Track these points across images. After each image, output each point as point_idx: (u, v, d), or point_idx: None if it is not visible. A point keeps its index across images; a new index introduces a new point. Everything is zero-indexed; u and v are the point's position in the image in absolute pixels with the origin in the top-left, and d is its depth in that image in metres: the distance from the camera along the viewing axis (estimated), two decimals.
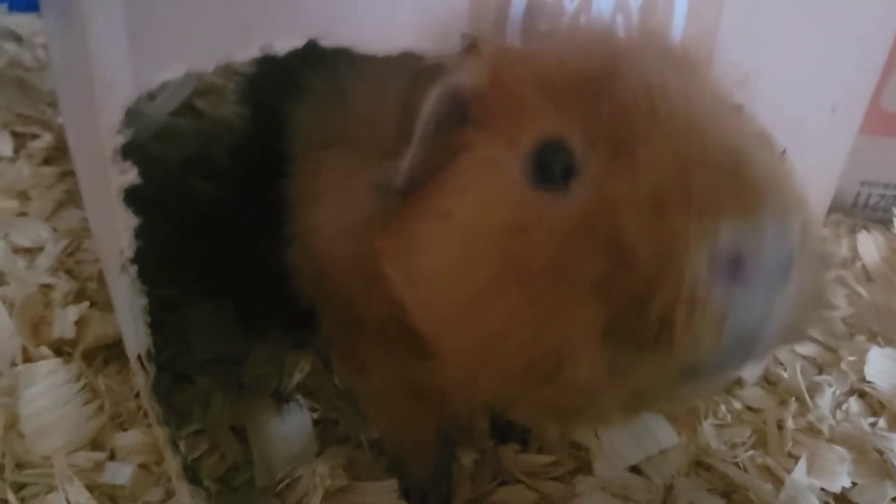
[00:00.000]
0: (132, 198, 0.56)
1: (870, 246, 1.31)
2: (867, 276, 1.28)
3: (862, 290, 1.22)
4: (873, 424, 1.01)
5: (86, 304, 0.93)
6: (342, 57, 0.61)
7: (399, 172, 0.56)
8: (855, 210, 1.40)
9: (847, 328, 1.16)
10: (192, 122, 1.28)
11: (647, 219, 0.47)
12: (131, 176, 0.54)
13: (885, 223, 1.36)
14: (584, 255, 0.49)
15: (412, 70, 0.57)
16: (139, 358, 0.62)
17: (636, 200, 0.48)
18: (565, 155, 0.52)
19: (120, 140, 0.53)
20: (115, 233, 0.58)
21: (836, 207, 1.39)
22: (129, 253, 0.58)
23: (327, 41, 0.57)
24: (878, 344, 1.11)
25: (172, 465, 0.68)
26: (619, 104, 0.51)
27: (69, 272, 1.00)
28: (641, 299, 0.47)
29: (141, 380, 0.63)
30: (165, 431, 0.67)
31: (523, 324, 0.51)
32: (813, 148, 0.84)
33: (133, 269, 0.59)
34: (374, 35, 0.59)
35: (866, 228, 1.35)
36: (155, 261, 0.95)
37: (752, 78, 0.74)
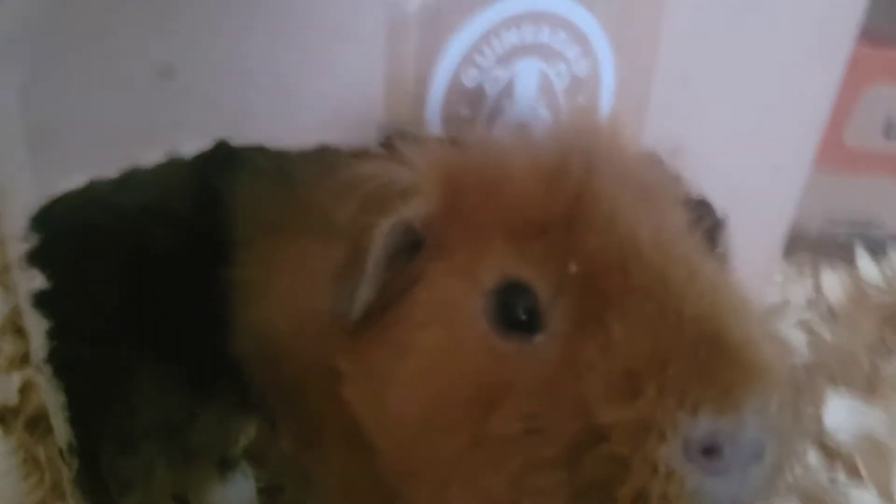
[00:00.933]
0: (42, 301, 0.55)
1: (834, 284, 1.31)
2: (832, 316, 1.28)
3: (825, 332, 1.22)
4: (832, 479, 1.00)
5: (29, 370, 0.92)
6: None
7: (353, 304, 0.54)
8: (820, 247, 1.39)
9: (807, 374, 1.15)
10: (154, 169, 1.28)
11: (621, 397, 0.46)
12: (39, 281, 0.54)
13: (850, 261, 1.35)
14: (552, 420, 0.48)
15: (360, 195, 0.55)
16: (60, 452, 0.62)
17: (609, 375, 0.47)
18: (529, 299, 0.51)
19: (24, 247, 0.53)
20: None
21: (800, 245, 1.38)
22: (41, 354, 0.57)
23: (237, 140, 0.56)
24: (838, 391, 1.10)
25: None
26: (586, 252, 0.50)
27: (18, 332, 1.00)
28: (611, 478, 0.46)
29: (65, 472, 0.63)
30: None
31: (485, 481, 0.50)
32: (757, 207, 0.85)
33: (48, 369, 0.58)
34: (286, 131, 0.58)
35: (831, 266, 1.34)
36: (102, 320, 0.95)
37: (684, 148, 0.75)
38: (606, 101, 0.70)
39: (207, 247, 0.81)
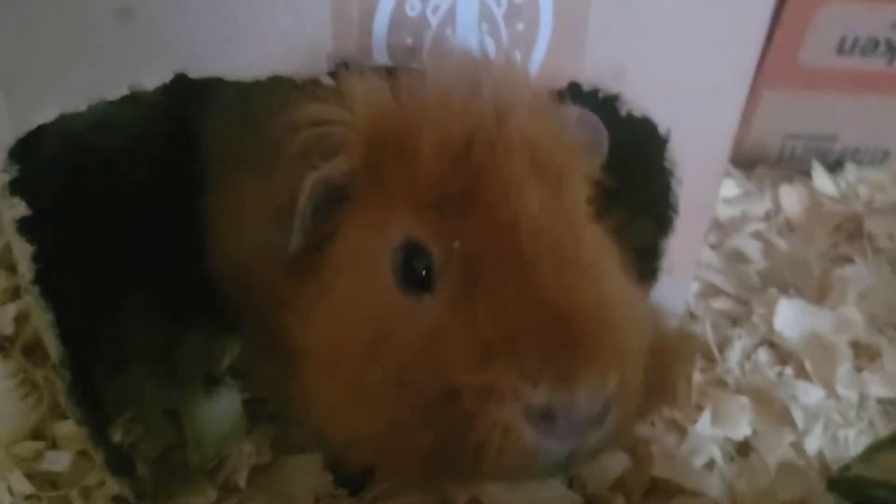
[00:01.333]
0: (25, 228, 0.61)
1: (792, 198, 1.36)
2: (789, 228, 1.34)
3: (781, 243, 1.28)
4: (780, 374, 1.08)
5: (25, 300, 0.98)
6: None
7: (287, 247, 0.61)
8: (781, 163, 1.44)
9: (761, 281, 1.21)
10: (131, 110, 1.32)
11: (475, 365, 0.53)
12: (21, 209, 0.59)
13: (809, 175, 1.41)
14: (421, 377, 0.55)
15: (296, 143, 0.60)
16: (53, 366, 0.68)
17: (468, 344, 0.53)
18: (426, 260, 0.57)
19: (6, 177, 0.58)
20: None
21: (761, 161, 1.44)
22: (29, 276, 0.63)
23: (195, 73, 0.61)
24: (789, 296, 1.16)
25: (97, 459, 0.75)
26: (471, 229, 0.56)
27: (10, 268, 1.05)
28: (461, 431, 0.53)
29: (59, 384, 0.69)
30: (85, 431, 0.73)
31: (363, 421, 0.58)
32: (699, 126, 0.90)
33: (35, 290, 0.64)
34: (240, 63, 0.63)
35: (789, 181, 1.39)
36: (86, 251, 1.00)
37: (625, 69, 0.79)
38: (545, 25, 0.74)
39: (185, 178, 0.86)
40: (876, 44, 1.32)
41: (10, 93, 0.55)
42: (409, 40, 0.69)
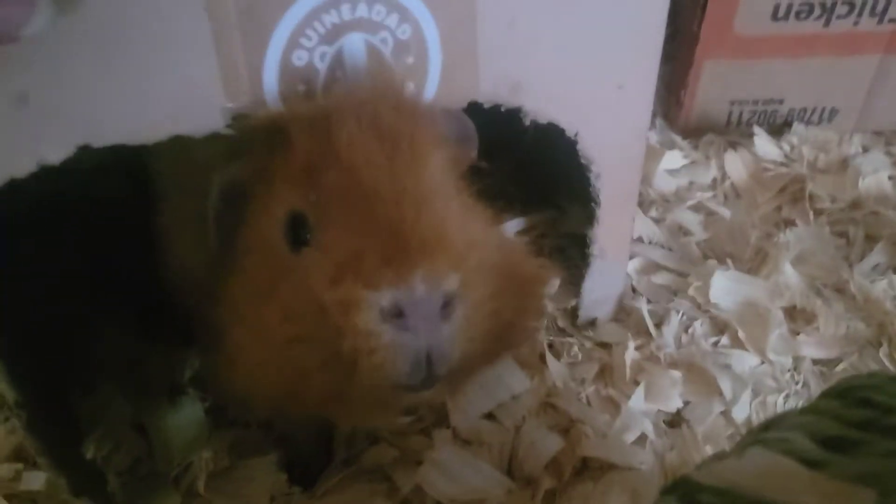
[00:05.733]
0: None
1: (737, 164, 1.40)
2: (736, 194, 1.38)
3: (724, 211, 1.32)
4: (715, 344, 1.13)
5: None
6: None
7: (212, 241, 0.74)
8: (729, 129, 1.48)
9: (702, 252, 1.26)
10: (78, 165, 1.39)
11: (332, 284, 0.64)
12: None
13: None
14: (303, 309, 0.66)
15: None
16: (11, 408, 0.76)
17: (326, 268, 0.65)
18: (304, 222, 0.68)
19: None
20: None
21: (709, 128, 1.48)
22: None
23: (97, 143, 0.67)
24: (727, 266, 1.21)
25: (60, 484, 0.83)
26: (327, 185, 0.67)
27: None
28: (337, 341, 0.64)
29: (17, 423, 0.77)
30: (45, 461, 0.81)
31: (276, 352, 0.69)
32: (610, 123, 0.94)
33: None
34: (138, 129, 0.69)
35: (733, 147, 1.43)
36: (60, 278, 1.08)
37: (522, 83, 0.84)
38: (435, 55, 0.79)
39: (140, 206, 0.94)
40: (811, 8, 1.34)
41: None
42: (301, 87, 0.74)
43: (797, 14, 1.35)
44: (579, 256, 1.13)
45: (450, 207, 0.68)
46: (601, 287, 1.13)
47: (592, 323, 1.16)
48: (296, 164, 0.68)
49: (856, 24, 1.36)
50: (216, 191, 0.71)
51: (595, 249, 1.07)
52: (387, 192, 0.65)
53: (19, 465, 0.95)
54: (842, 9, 1.35)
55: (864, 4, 1.34)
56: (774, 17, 1.35)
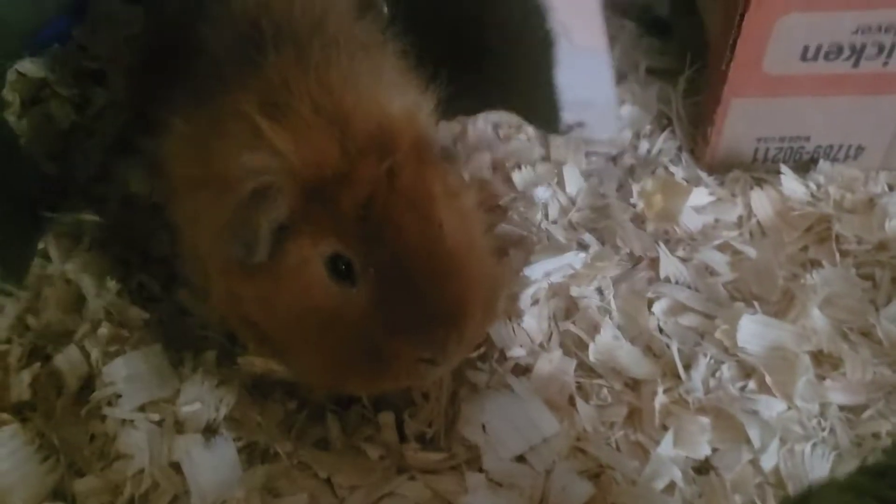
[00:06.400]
0: None
1: (763, 202, 1.40)
2: (762, 233, 1.38)
3: (750, 251, 1.32)
4: (743, 388, 1.14)
5: (36, 366, 1.08)
6: None
7: (253, 258, 0.85)
8: (754, 165, 1.49)
9: (728, 293, 1.27)
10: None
11: (390, 336, 0.85)
12: None
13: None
14: (353, 337, 0.86)
15: (248, 189, 0.83)
16: None
17: (375, 321, 0.85)
18: (347, 264, 0.85)
19: None
20: None
21: (735, 164, 1.48)
22: None
23: None
24: (754, 308, 1.22)
25: None
26: (379, 248, 0.84)
27: (23, 334, 1.15)
28: (381, 368, 0.87)
29: None
30: None
31: (324, 358, 0.89)
32: None
33: None
34: None
35: (759, 185, 1.43)
36: None
37: None
38: None
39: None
40: (840, 49, 1.35)
41: None
42: None
43: (826, 55, 1.35)
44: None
45: (469, 262, 0.88)
46: (582, 84, 1.12)
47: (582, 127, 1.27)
48: (341, 221, 0.83)
49: (885, 64, 1.37)
50: (265, 228, 0.82)
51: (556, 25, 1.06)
52: (424, 264, 0.84)
53: None
54: (871, 50, 1.35)
55: (893, 46, 1.35)
56: (804, 57, 1.35)
